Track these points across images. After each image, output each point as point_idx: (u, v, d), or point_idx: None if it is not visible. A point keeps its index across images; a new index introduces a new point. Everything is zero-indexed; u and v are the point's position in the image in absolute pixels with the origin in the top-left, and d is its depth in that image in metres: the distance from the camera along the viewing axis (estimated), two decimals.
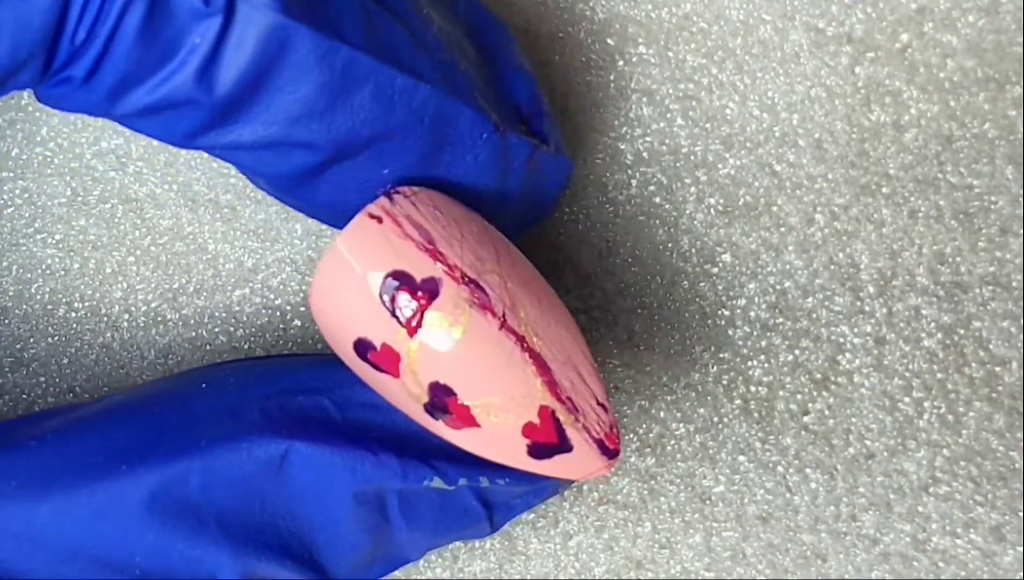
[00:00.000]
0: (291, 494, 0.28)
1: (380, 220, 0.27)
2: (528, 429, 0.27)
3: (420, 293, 0.26)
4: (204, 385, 0.29)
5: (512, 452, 0.27)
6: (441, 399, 0.27)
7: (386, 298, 0.26)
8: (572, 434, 0.27)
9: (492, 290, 0.27)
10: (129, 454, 0.27)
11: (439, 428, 0.27)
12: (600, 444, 0.27)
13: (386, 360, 0.27)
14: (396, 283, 0.26)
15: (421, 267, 0.26)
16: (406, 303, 0.26)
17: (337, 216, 0.28)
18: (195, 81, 0.25)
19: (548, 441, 0.27)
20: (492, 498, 0.29)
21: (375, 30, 0.27)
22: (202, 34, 0.25)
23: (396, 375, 0.27)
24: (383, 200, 0.27)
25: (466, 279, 0.27)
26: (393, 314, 0.26)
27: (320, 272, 0.27)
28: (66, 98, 0.26)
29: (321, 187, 0.28)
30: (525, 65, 0.30)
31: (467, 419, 0.27)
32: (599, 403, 0.27)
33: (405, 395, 0.27)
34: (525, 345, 0.27)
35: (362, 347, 0.27)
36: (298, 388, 0.29)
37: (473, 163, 0.28)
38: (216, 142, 0.27)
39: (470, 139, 0.28)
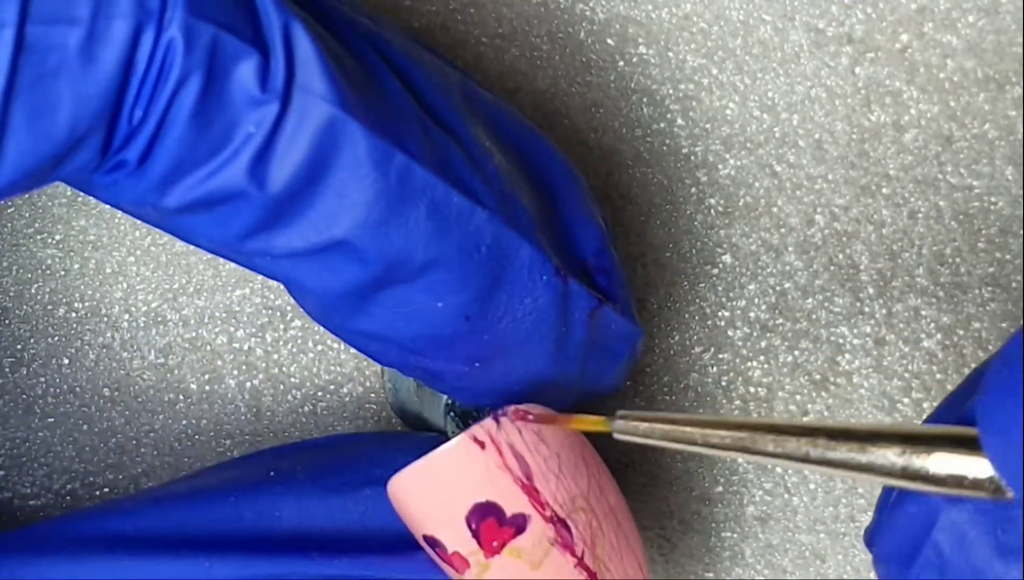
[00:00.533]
0: None
1: (483, 446, 0.27)
2: None
3: (507, 526, 0.26)
4: (272, 474, 0.29)
5: None
6: None
7: (472, 522, 0.27)
8: None
9: (577, 529, 0.27)
10: (207, 546, 0.28)
11: None
12: None
13: (454, 562, 0.27)
14: (485, 511, 0.27)
15: (513, 502, 0.27)
16: (491, 532, 0.27)
17: (386, 348, 0.28)
18: (248, 173, 0.25)
19: None
20: None
21: (434, 146, 0.26)
22: (257, 123, 0.24)
23: (460, 573, 0.27)
24: (490, 423, 0.27)
25: (555, 519, 0.27)
26: (475, 536, 0.27)
27: (408, 473, 0.27)
28: (119, 186, 0.25)
29: (372, 311, 0.27)
30: (595, 217, 0.30)
31: None
32: None
33: None
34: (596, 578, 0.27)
35: (432, 543, 0.27)
36: (362, 479, 0.29)
37: (532, 307, 0.27)
38: (268, 246, 0.26)
39: (529, 279, 0.27)
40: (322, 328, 0.28)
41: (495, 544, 0.26)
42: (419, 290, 0.27)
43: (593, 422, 0.26)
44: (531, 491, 0.27)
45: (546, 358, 0.28)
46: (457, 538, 0.27)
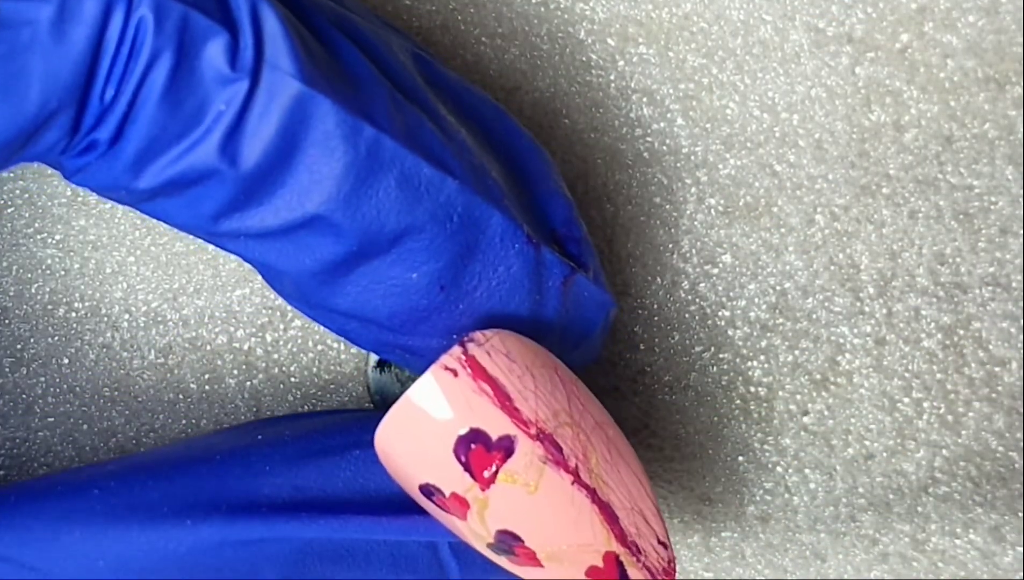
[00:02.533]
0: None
1: (455, 373, 0.27)
2: (591, 571, 0.27)
3: (495, 451, 0.26)
4: (260, 436, 0.29)
5: None
6: (507, 543, 0.27)
7: (460, 454, 0.26)
8: (633, 573, 0.27)
9: (565, 444, 0.27)
10: (192, 508, 0.28)
11: (500, 561, 0.28)
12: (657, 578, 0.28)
13: (454, 506, 0.27)
14: (471, 440, 0.26)
15: (497, 425, 0.26)
16: (481, 460, 0.26)
17: (365, 328, 0.28)
18: (220, 150, 0.25)
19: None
20: None
21: (403, 118, 0.26)
22: (227, 101, 0.25)
23: (463, 518, 0.27)
24: (457, 350, 0.27)
25: (541, 436, 0.27)
26: (467, 469, 0.26)
27: (389, 418, 0.27)
28: (91, 168, 0.26)
29: (347, 289, 0.27)
30: (562, 189, 0.30)
31: (532, 560, 0.27)
32: (660, 542, 0.28)
33: (469, 532, 0.27)
34: (596, 497, 0.27)
35: (428, 491, 0.27)
36: (352, 442, 0.29)
37: (506, 275, 0.27)
38: (242, 226, 0.26)
39: (501, 247, 0.27)
40: (322, 328, 0.28)
41: (487, 474, 0.26)
42: (393, 262, 0.27)
43: None
44: (512, 411, 0.26)
45: (522, 328, 0.28)
46: (450, 477, 0.26)
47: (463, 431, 0.26)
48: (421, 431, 0.27)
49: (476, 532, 0.27)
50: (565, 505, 0.27)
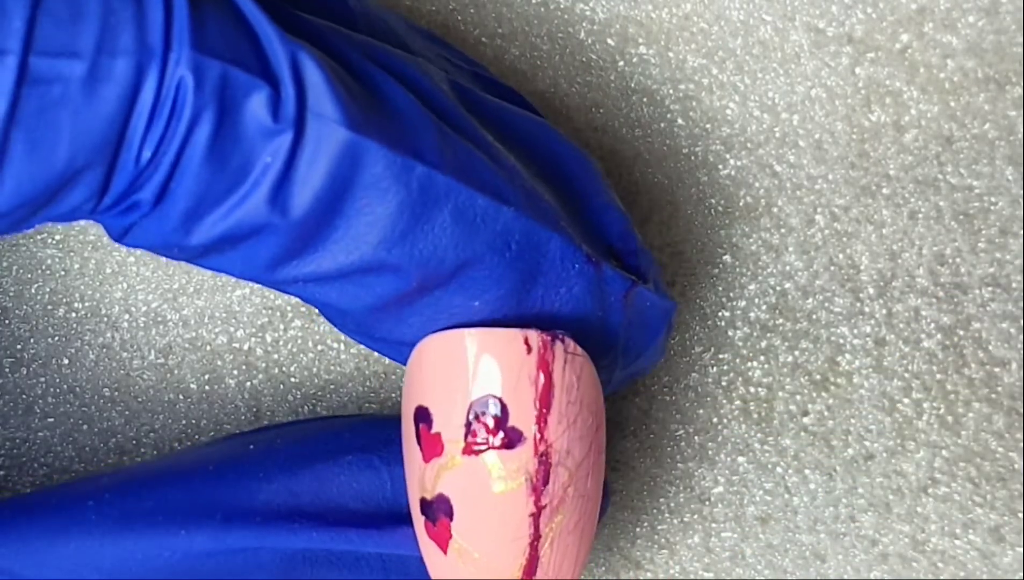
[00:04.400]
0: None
1: (529, 350, 0.26)
2: None
3: (501, 434, 0.26)
4: (252, 446, 0.29)
5: None
6: (438, 511, 0.27)
7: (475, 411, 0.26)
8: None
9: (554, 483, 0.27)
10: (187, 518, 0.28)
11: (416, 523, 0.28)
12: None
13: (429, 444, 0.27)
14: (493, 409, 0.26)
15: (521, 416, 0.26)
16: (485, 431, 0.26)
17: None
18: (269, 203, 0.25)
19: None
20: None
21: (453, 152, 0.26)
22: (273, 153, 0.24)
23: (426, 459, 0.27)
24: (547, 337, 0.26)
25: (543, 458, 0.26)
26: (468, 426, 0.26)
27: (448, 336, 0.27)
28: (138, 229, 0.25)
29: (410, 321, 0.27)
30: (615, 201, 0.30)
31: (442, 542, 0.27)
32: None
33: (418, 477, 0.27)
34: (535, 544, 0.27)
35: (422, 416, 0.27)
36: (345, 447, 0.29)
37: (568, 296, 0.27)
38: (299, 273, 0.26)
39: (562, 269, 0.27)
40: (322, 328, 0.28)
41: (479, 446, 0.26)
42: (455, 292, 0.27)
43: None
44: (541, 419, 0.26)
45: (587, 344, 0.27)
46: (449, 421, 0.26)
47: (494, 397, 0.26)
48: (462, 368, 0.26)
49: (424, 480, 0.27)
50: (510, 525, 0.26)
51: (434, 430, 0.27)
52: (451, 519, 0.27)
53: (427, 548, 0.27)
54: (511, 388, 0.26)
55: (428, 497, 0.27)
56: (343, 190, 0.25)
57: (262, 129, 0.24)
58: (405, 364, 0.28)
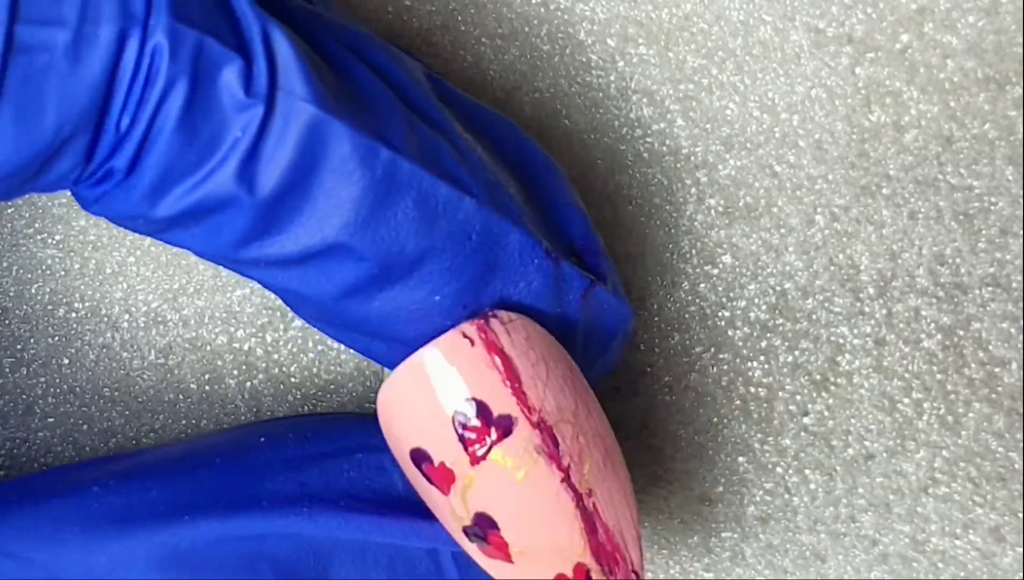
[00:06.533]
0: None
1: (472, 343, 0.26)
2: (559, 578, 0.27)
3: (493, 428, 0.26)
4: (263, 438, 0.29)
5: None
6: (483, 528, 0.27)
7: (459, 423, 0.26)
8: None
9: (563, 441, 0.27)
10: (192, 506, 0.28)
11: (471, 550, 0.27)
12: None
13: (440, 477, 0.27)
14: (473, 412, 0.26)
15: (501, 402, 0.26)
16: (477, 434, 0.26)
17: (391, 347, 0.28)
18: (237, 177, 0.25)
19: None
20: None
21: (419, 140, 0.26)
22: (243, 127, 0.24)
23: (445, 493, 0.27)
24: (480, 321, 0.27)
25: (541, 425, 0.26)
26: (461, 439, 0.26)
27: (397, 375, 0.27)
28: (108, 198, 0.25)
29: (371, 313, 0.27)
30: (578, 202, 0.30)
31: (503, 553, 0.27)
32: (633, 570, 0.27)
33: (448, 511, 0.27)
34: (581, 503, 0.27)
35: (419, 457, 0.27)
36: (355, 446, 0.29)
37: (526, 291, 0.27)
38: (261, 254, 0.26)
39: (521, 264, 0.27)
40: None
41: (481, 450, 0.26)
42: (415, 286, 0.27)
43: None
44: (519, 393, 0.26)
45: None
46: (443, 445, 0.26)
47: (466, 399, 0.26)
48: (425, 393, 0.26)
49: (456, 510, 0.27)
50: (549, 502, 0.26)
51: (436, 463, 0.27)
52: (499, 530, 0.27)
53: (494, 568, 0.27)
54: (476, 383, 0.26)
55: (468, 523, 0.27)
56: (309, 170, 0.25)
57: (234, 102, 0.24)
58: (370, 357, 0.28)
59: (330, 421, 0.30)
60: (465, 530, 0.27)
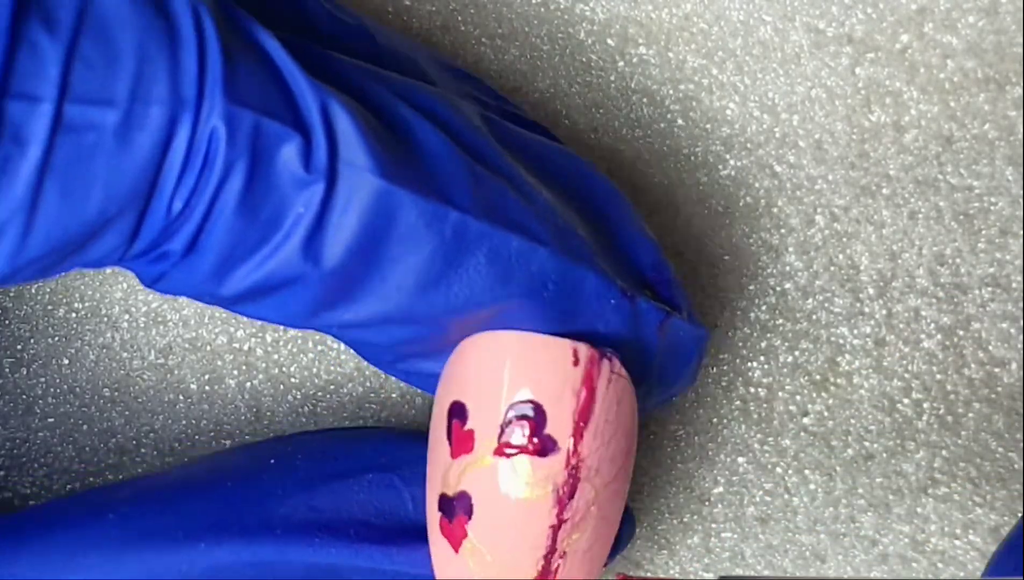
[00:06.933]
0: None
1: (576, 362, 0.26)
2: None
3: (537, 441, 0.26)
4: (272, 460, 0.29)
5: None
6: (458, 508, 0.27)
7: (512, 413, 0.26)
8: None
9: (579, 499, 0.27)
10: (208, 531, 0.28)
11: (432, 517, 0.27)
12: None
13: (460, 440, 0.27)
14: (531, 414, 0.26)
15: (558, 426, 0.26)
16: (520, 436, 0.26)
17: None
18: (302, 253, 0.24)
19: None
20: None
21: (485, 193, 0.26)
22: (305, 203, 0.24)
23: (453, 456, 0.27)
24: (595, 352, 0.26)
25: (573, 471, 0.26)
26: (502, 427, 0.26)
27: (496, 335, 0.27)
28: (168, 277, 0.25)
29: (443, 359, 0.27)
30: (644, 231, 0.30)
31: (455, 541, 0.27)
32: None
33: (441, 472, 0.27)
34: (549, 557, 0.27)
35: (458, 411, 0.27)
36: (365, 466, 0.29)
37: (605, 331, 0.27)
38: (333, 321, 0.26)
39: (598, 306, 0.27)
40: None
41: (512, 449, 0.26)
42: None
43: None
44: (578, 432, 0.26)
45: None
46: (486, 420, 0.26)
47: (535, 402, 0.26)
48: (508, 368, 0.26)
49: (449, 476, 0.27)
50: (527, 534, 0.26)
51: (467, 427, 0.27)
52: (469, 518, 0.27)
53: (437, 545, 0.27)
54: (553, 397, 0.26)
55: (449, 493, 0.27)
56: (376, 240, 0.25)
57: (294, 179, 0.24)
58: (430, 392, 0.28)
59: (339, 439, 0.30)
60: (442, 497, 0.27)
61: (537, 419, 0.26)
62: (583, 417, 0.26)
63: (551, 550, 0.27)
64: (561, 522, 0.26)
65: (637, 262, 0.29)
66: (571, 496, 0.26)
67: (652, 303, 0.28)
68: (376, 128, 0.25)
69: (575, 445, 0.26)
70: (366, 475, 0.29)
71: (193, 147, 0.23)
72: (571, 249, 0.27)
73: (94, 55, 0.23)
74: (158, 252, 0.25)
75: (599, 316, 0.27)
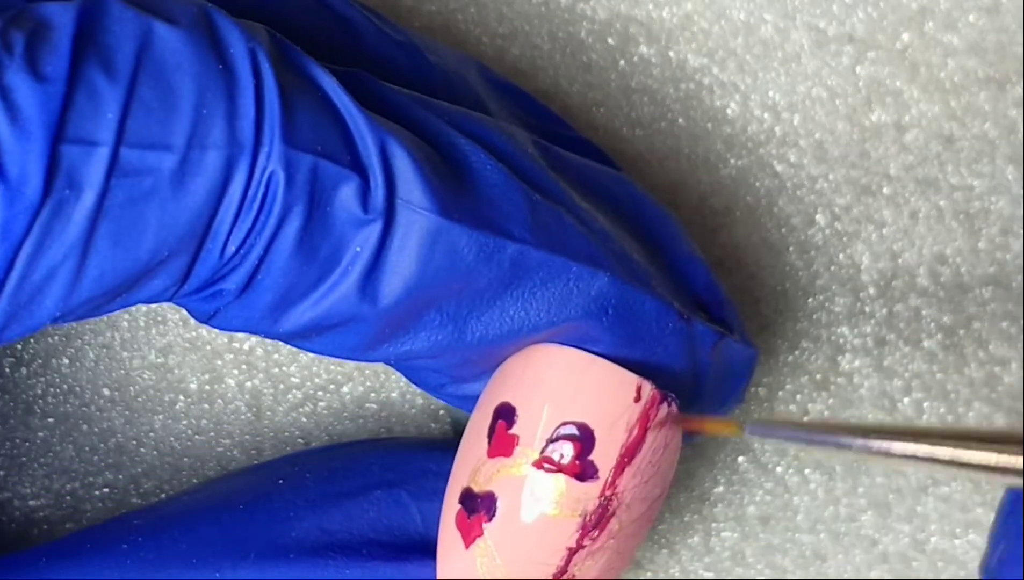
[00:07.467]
0: None
1: (638, 398, 0.26)
2: None
3: (579, 464, 0.26)
4: (281, 480, 0.29)
5: None
6: (480, 507, 0.27)
7: (562, 431, 0.26)
8: None
9: (604, 531, 0.27)
10: (223, 557, 0.28)
11: (450, 507, 0.27)
12: None
13: (501, 441, 0.27)
14: (581, 438, 0.26)
15: (602, 455, 0.26)
16: (562, 452, 0.26)
17: None
18: (359, 292, 0.24)
19: None
20: None
21: (543, 221, 0.26)
22: (362, 242, 0.24)
23: (490, 455, 0.27)
24: (659, 393, 0.26)
25: (605, 502, 0.26)
26: (548, 442, 0.26)
27: (567, 350, 0.27)
28: (222, 314, 0.25)
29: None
30: (696, 252, 0.30)
31: (468, 536, 0.27)
32: None
33: (471, 466, 0.27)
34: (558, 578, 0.27)
35: (505, 413, 0.27)
36: (372, 483, 0.29)
37: (663, 355, 0.27)
38: (390, 354, 0.26)
39: (658, 330, 0.27)
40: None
41: (551, 465, 0.26)
42: None
43: (725, 426, 0.26)
44: (620, 467, 0.26)
45: (678, 396, 0.27)
46: (533, 429, 0.26)
47: (587, 425, 0.26)
48: (571, 385, 0.26)
49: (479, 472, 0.27)
50: (544, 551, 0.27)
51: (513, 431, 0.26)
52: (490, 519, 0.27)
53: (447, 536, 0.27)
54: (607, 425, 0.26)
55: (476, 490, 0.27)
56: (434, 276, 0.25)
57: (352, 219, 0.24)
58: (467, 410, 0.28)
59: (345, 455, 0.30)
60: (467, 491, 0.27)
61: (585, 443, 0.26)
62: (630, 453, 0.26)
63: (562, 571, 0.27)
64: (580, 547, 0.26)
65: (691, 283, 0.29)
66: (596, 525, 0.26)
67: (707, 325, 0.28)
68: (434, 161, 0.25)
69: (614, 478, 0.26)
70: (374, 492, 0.29)
71: (249, 191, 0.23)
72: (629, 273, 0.27)
73: (152, 98, 0.22)
74: (211, 290, 0.25)
75: (658, 340, 0.27)
